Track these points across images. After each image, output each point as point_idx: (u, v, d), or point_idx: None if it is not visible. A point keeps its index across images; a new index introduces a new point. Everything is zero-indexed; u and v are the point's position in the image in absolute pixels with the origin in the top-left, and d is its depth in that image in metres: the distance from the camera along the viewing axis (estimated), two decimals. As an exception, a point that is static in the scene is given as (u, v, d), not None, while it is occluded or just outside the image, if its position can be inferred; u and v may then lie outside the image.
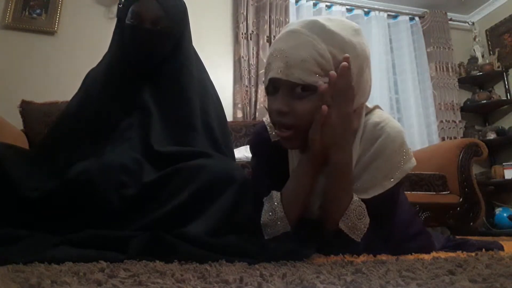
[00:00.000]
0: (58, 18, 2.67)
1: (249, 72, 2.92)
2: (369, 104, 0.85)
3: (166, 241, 0.64)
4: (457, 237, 1.19)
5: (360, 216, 0.76)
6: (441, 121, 3.29)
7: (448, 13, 3.60)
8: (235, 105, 2.89)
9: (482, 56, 3.53)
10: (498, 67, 3.38)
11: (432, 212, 2.13)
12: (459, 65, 3.53)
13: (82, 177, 0.78)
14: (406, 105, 3.34)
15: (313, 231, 0.81)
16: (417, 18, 3.59)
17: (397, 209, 0.88)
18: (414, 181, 2.17)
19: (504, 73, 3.39)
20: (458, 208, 2.17)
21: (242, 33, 2.99)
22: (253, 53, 2.97)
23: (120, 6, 2.72)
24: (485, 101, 3.33)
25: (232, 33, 3.07)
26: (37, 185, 0.80)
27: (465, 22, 3.74)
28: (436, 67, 3.40)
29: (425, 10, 3.57)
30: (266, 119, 0.93)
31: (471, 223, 2.16)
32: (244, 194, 0.79)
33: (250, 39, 3.00)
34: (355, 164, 0.80)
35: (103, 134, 0.95)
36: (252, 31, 3.02)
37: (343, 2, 3.39)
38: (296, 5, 3.31)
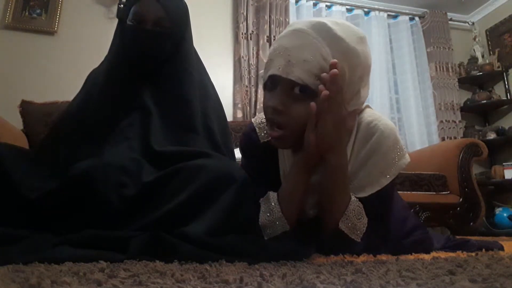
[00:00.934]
0: (58, 18, 2.67)
1: (249, 72, 2.92)
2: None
3: (166, 241, 0.64)
4: (457, 237, 1.19)
5: (359, 216, 0.76)
6: (441, 121, 3.29)
7: (448, 13, 3.60)
8: (235, 105, 2.89)
9: (482, 56, 3.53)
10: (498, 67, 3.38)
11: (432, 212, 2.13)
12: (459, 65, 3.53)
13: (82, 178, 0.78)
14: (406, 105, 3.34)
15: (312, 231, 0.81)
16: (417, 18, 3.59)
17: (392, 207, 0.89)
18: (414, 181, 2.17)
19: (504, 73, 3.39)
20: (458, 208, 2.17)
21: (242, 33, 2.99)
22: (253, 53, 2.97)
23: (120, 6, 2.72)
24: (485, 101, 3.34)
25: (232, 33, 3.07)
26: (37, 185, 0.80)
27: (465, 22, 3.74)
28: (436, 67, 3.40)
29: (425, 10, 3.57)
30: (255, 119, 0.93)
31: (471, 223, 2.16)
32: (244, 194, 0.79)
33: (250, 39, 3.00)
34: (350, 163, 0.80)
35: (103, 134, 0.95)
36: (252, 31, 3.02)
37: (343, 2, 3.39)
38: (296, 5, 3.31)
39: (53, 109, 2.04)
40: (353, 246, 0.77)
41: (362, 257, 0.74)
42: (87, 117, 0.99)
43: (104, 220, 0.75)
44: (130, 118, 0.98)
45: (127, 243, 0.64)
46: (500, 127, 3.26)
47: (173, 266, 0.55)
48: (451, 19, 3.64)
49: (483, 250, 0.91)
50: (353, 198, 0.77)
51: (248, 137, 0.92)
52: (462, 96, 3.45)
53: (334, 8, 3.38)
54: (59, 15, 2.68)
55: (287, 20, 3.12)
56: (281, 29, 3.06)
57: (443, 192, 2.21)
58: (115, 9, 2.79)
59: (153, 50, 1.00)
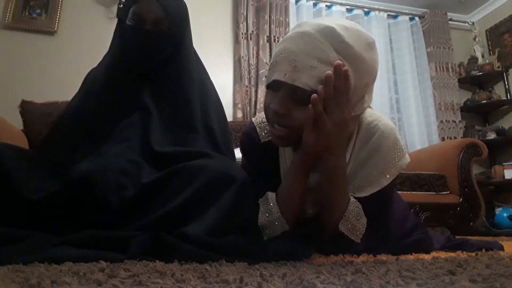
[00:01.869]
0: (58, 18, 2.68)
1: (249, 72, 2.92)
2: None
3: (166, 241, 0.64)
4: (457, 237, 1.19)
5: (358, 216, 0.76)
6: (441, 121, 3.29)
7: (448, 13, 3.60)
8: (235, 105, 2.89)
9: (482, 56, 3.53)
10: (498, 67, 3.38)
11: (432, 212, 2.13)
12: (459, 65, 3.54)
13: (82, 179, 0.78)
14: (406, 105, 3.34)
15: (312, 231, 0.81)
16: (417, 18, 3.59)
17: (392, 207, 0.89)
18: (414, 181, 2.17)
19: (504, 73, 3.39)
20: (458, 208, 2.17)
21: (242, 33, 2.99)
22: (253, 53, 2.97)
23: (120, 6, 2.72)
24: (485, 101, 3.34)
25: (232, 33, 3.07)
26: (38, 186, 0.80)
27: (465, 22, 3.74)
28: (436, 67, 3.40)
29: (425, 10, 3.57)
30: (255, 119, 0.93)
31: (471, 223, 2.16)
32: (244, 194, 0.79)
33: (250, 39, 3.00)
34: (350, 163, 0.80)
35: (103, 134, 0.95)
36: (252, 31, 3.02)
37: (343, 2, 3.39)
38: (296, 5, 3.31)
39: (53, 109, 2.04)
40: (353, 247, 0.77)
41: (362, 257, 0.74)
42: (86, 117, 0.99)
43: (104, 221, 0.75)
44: (130, 118, 0.98)
45: (127, 243, 0.64)
46: (500, 127, 3.26)
47: (173, 266, 0.55)
48: (451, 19, 3.64)
49: (483, 250, 0.91)
50: (352, 199, 0.76)
51: (248, 136, 0.92)
52: (462, 96, 3.45)
53: (334, 8, 3.38)
54: (59, 15, 2.68)
55: (287, 20, 3.12)
56: (281, 29, 3.06)
57: (443, 192, 2.21)
58: (115, 9, 2.79)
59: (152, 50, 1.00)
